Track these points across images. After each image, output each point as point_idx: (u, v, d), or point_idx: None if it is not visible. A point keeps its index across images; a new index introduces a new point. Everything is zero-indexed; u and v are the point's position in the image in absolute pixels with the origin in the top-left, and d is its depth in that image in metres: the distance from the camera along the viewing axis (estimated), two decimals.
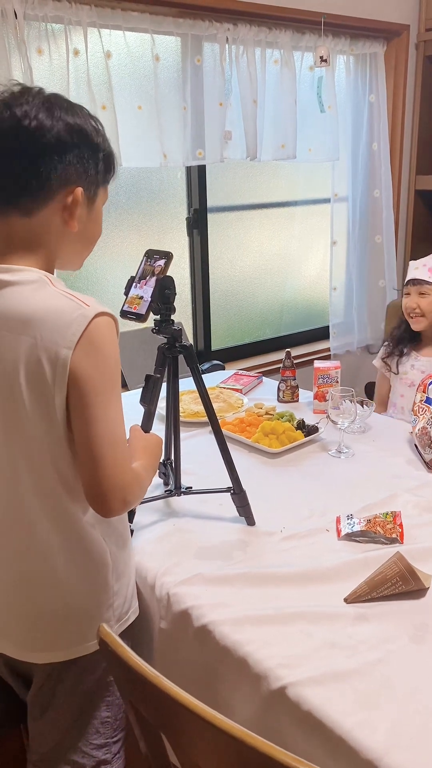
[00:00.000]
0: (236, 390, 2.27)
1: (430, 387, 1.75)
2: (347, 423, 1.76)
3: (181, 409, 1.98)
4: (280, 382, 2.20)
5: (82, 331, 0.95)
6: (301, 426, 1.91)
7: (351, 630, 1.11)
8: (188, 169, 2.80)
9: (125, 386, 2.42)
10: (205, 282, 2.96)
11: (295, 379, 2.18)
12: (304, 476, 1.69)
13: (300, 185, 3.29)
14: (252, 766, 0.71)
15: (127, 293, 1.29)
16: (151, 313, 1.27)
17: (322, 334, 3.40)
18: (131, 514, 1.40)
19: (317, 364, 2.09)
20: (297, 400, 2.19)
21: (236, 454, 1.76)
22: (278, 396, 2.20)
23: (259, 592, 1.21)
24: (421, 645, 1.07)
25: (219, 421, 1.50)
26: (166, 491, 1.53)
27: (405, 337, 2.26)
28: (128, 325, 1.29)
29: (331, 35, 2.85)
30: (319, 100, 2.91)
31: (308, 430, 1.89)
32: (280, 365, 2.19)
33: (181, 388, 1.52)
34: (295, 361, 2.21)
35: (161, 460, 1.50)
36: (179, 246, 2.88)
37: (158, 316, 1.33)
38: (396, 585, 1.17)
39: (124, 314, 1.28)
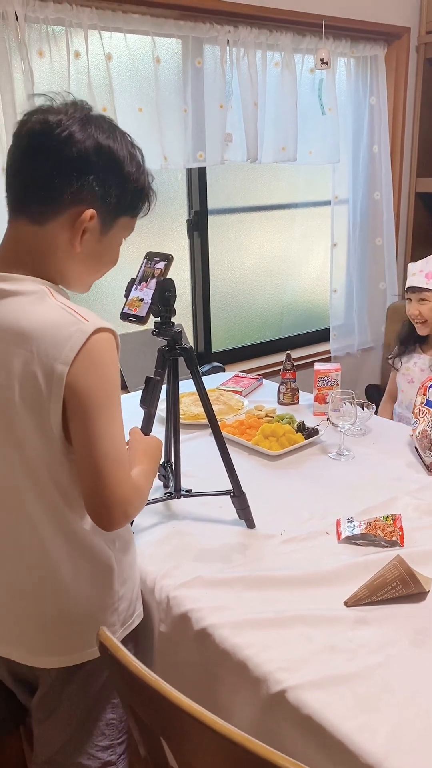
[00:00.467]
0: (236, 392, 2.27)
1: (430, 390, 1.75)
2: (347, 426, 1.76)
3: (181, 411, 1.97)
4: (280, 385, 2.20)
5: (80, 347, 0.93)
6: (302, 428, 1.91)
7: (351, 633, 1.10)
8: (189, 171, 2.80)
9: (125, 388, 2.42)
10: (206, 284, 2.96)
11: (295, 382, 2.18)
12: (304, 479, 1.68)
13: (300, 187, 3.28)
14: None
15: (127, 295, 1.29)
16: (151, 315, 1.27)
17: (323, 336, 3.40)
18: None
19: (317, 366, 2.09)
20: (297, 403, 2.19)
21: (236, 456, 1.76)
22: (278, 398, 2.20)
23: (258, 595, 1.21)
24: (422, 648, 1.06)
25: (219, 423, 1.49)
26: (166, 494, 1.53)
27: (410, 336, 2.31)
28: (128, 327, 1.30)
29: (332, 38, 2.85)
30: (319, 102, 2.91)
31: (308, 432, 1.89)
32: (281, 367, 2.19)
33: (181, 390, 1.52)
34: (295, 364, 2.21)
35: (161, 463, 1.50)
36: (180, 248, 2.88)
37: (158, 319, 1.33)
38: (396, 588, 1.16)
39: (125, 316, 1.28)
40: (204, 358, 3.02)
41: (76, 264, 1.04)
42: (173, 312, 1.32)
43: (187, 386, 1.70)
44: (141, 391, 1.35)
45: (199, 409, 2.04)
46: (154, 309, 1.27)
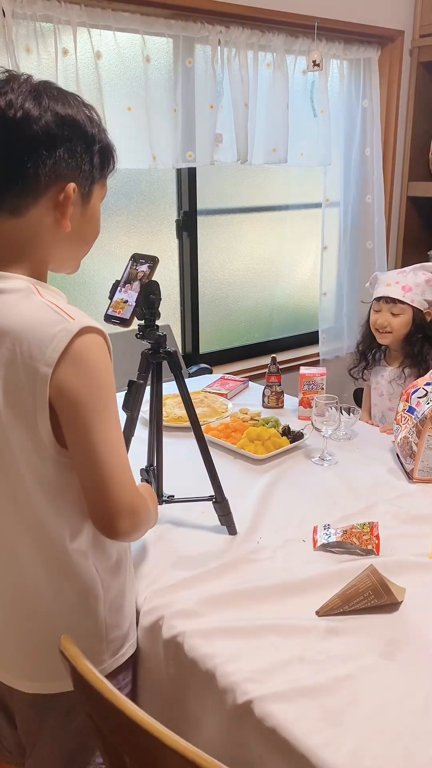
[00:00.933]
0: (221, 395, 2.26)
1: (412, 396, 1.74)
2: (331, 430, 1.75)
3: (165, 413, 1.96)
4: (265, 388, 2.19)
5: (64, 348, 0.88)
6: (287, 432, 1.90)
7: (321, 644, 1.09)
8: (178, 172, 2.79)
9: None
10: (194, 285, 2.94)
11: (280, 385, 2.17)
12: (286, 484, 1.67)
13: (291, 189, 3.27)
14: None
15: (111, 297, 1.27)
16: (135, 317, 1.26)
17: (312, 339, 3.39)
18: None
19: (303, 370, 2.07)
20: (282, 406, 2.17)
21: (221, 460, 1.75)
22: (263, 401, 2.18)
23: (231, 604, 1.19)
24: (391, 661, 1.05)
25: (203, 426, 1.48)
26: None
27: (372, 348, 2.23)
28: (112, 329, 1.28)
29: (325, 39, 2.84)
30: (311, 104, 2.89)
31: (293, 436, 1.88)
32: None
33: (165, 392, 1.50)
34: (284, 366, 2.19)
35: (143, 467, 1.48)
36: (169, 248, 2.87)
37: (143, 321, 1.31)
38: (368, 599, 1.15)
39: (109, 318, 1.26)
40: (192, 359, 3.01)
41: (65, 244, 0.99)
42: (158, 315, 1.30)
43: (171, 388, 1.68)
44: (123, 393, 1.34)
45: (183, 412, 2.03)
46: (139, 311, 1.26)
